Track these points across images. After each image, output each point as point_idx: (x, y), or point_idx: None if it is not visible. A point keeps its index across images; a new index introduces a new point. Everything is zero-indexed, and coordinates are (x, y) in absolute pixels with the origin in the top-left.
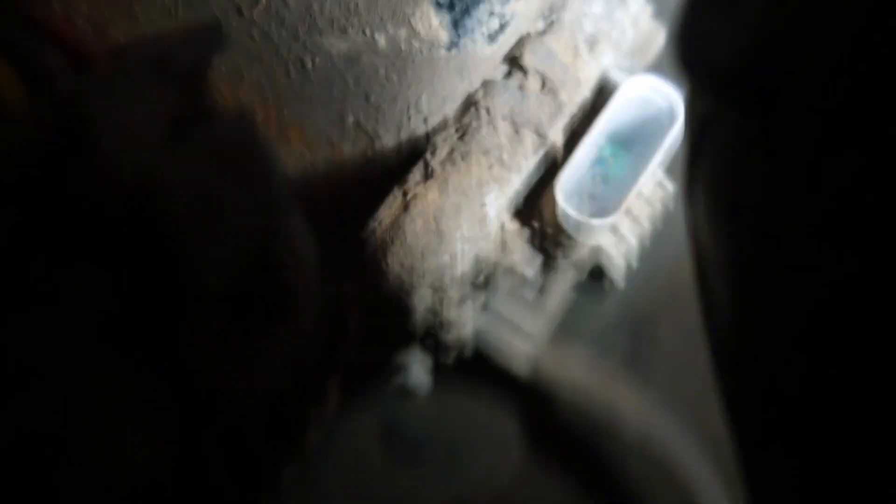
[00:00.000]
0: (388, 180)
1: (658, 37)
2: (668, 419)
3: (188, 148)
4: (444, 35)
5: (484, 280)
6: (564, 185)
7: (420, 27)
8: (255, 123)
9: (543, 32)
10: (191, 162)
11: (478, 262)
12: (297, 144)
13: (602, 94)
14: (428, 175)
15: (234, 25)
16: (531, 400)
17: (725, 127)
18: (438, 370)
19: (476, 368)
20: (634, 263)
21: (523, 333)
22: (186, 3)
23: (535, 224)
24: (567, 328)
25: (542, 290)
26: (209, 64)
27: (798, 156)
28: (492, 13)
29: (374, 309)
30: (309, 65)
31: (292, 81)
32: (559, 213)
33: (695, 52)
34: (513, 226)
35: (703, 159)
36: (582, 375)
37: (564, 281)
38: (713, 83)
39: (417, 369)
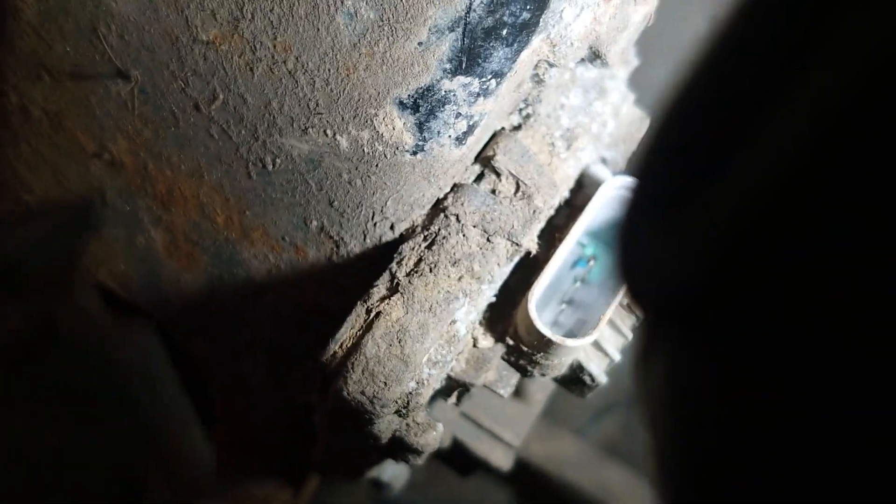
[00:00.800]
0: (356, 287)
1: (642, 125)
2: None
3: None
4: (408, 138)
5: (457, 396)
6: (539, 301)
7: (383, 129)
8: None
9: (517, 128)
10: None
11: (449, 380)
12: (261, 246)
13: (582, 189)
14: (393, 289)
15: (192, 122)
16: (520, 483)
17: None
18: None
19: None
20: (605, 380)
21: (502, 439)
22: (143, 98)
23: (510, 340)
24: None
25: (518, 394)
26: (70, 267)
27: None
28: (458, 115)
29: (337, 428)
30: (270, 165)
31: (254, 182)
32: (533, 333)
33: (638, 267)
34: (486, 342)
35: (653, 354)
36: (572, 456)
37: (543, 389)
38: (656, 300)
39: (392, 467)
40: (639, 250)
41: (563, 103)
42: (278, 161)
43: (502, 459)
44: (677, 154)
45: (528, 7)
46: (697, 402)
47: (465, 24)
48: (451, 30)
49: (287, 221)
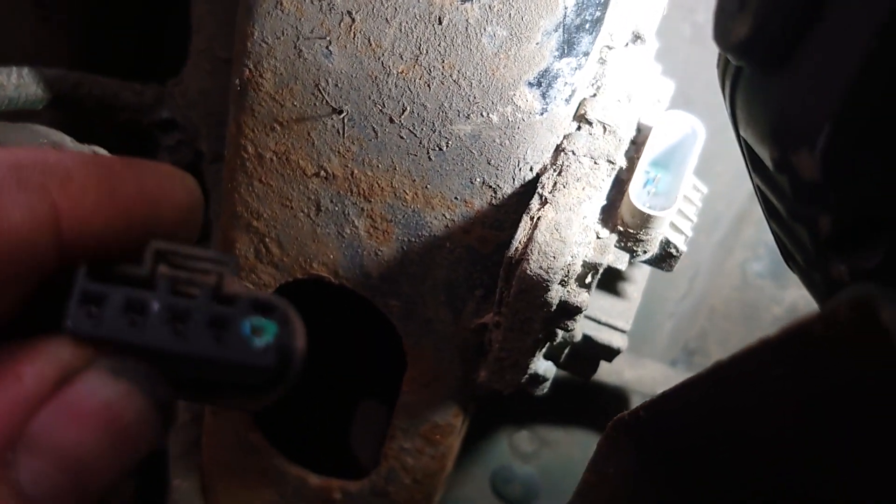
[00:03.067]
0: (509, 220)
1: (668, 89)
2: None
3: None
4: (537, 105)
5: (590, 278)
6: (636, 194)
7: (520, 102)
8: None
9: (594, 96)
10: None
11: (584, 265)
12: (440, 208)
13: (640, 132)
14: (543, 202)
15: (387, 131)
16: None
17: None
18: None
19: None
20: (686, 248)
21: (616, 326)
22: (351, 124)
23: (620, 228)
24: (635, 349)
25: (620, 294)
26: None
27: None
28: (566, 83)
29: (516, 312)
30: (444, 147)
31: (433, 163)
32: (636, 214)
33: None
34: (604, 232)
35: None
36: (658, 373)
37: (643, 273)
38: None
39: (543, 363)
40: (721, 21)
41: (619, 75)
42: (450, 142)
43: (619, 341)
44: None
45: (598, 9)
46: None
47: (564, 25)
48: (556, 30)
49: (458, 184)
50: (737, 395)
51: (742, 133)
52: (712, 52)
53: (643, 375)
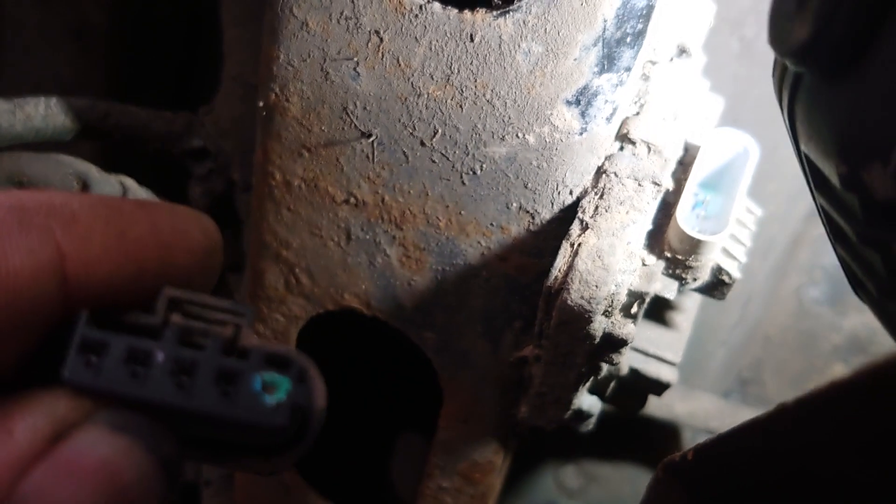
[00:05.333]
0: (548, 247)
1: (717, 106)
2: None
3: None
4: (576, 124)
5: (637, 307)
6: (683, 218)
7: (558, 122)
8: None
9: (638, 114)
10: None
11: (630, 294)
12: (475, 235)
13: (687, 152)
14: (584, 227)
15: (418, 155)
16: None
17: None
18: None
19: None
20: (739, 275)
21: (665, 359)
22: (381, 148)
23: (667, 254)
24: (686, 380)
25: (668, 324)
26: None
27: None
28: (606, 101)
29: (557, 345)
30: (478, 171)
31: (466, 187)
32: (684, 239)
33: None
34: (650, 259)
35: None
36: (711, 406)
37: (686, 318)
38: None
39: (588, 398)
40: (778, 23)
41: (664, 92)
42: (484, 166)
43: (669, 375)
44: None
45: (640, 20)
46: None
47: (603, 39)
48: (595, 45)
49: (493, 209)
50: (800, 436)
51: (803, 147)
52: (762, 67)
53: (695, 409)
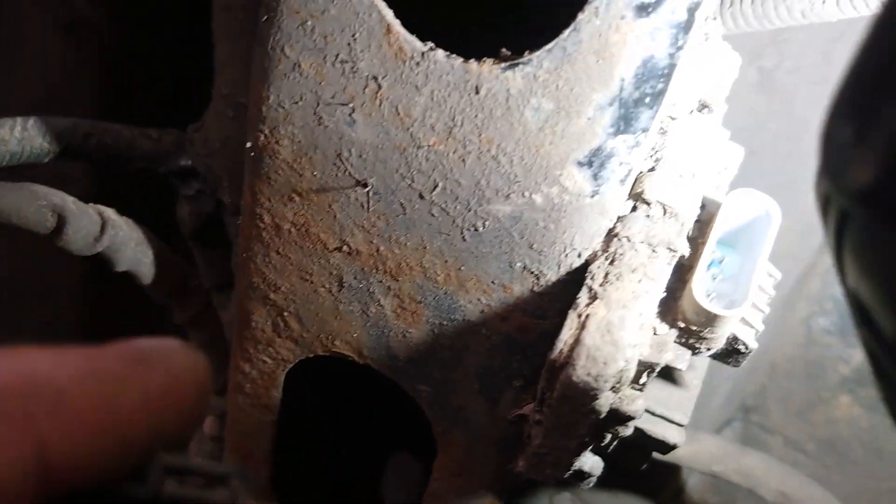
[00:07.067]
0: (552, 309)
1: (737, 156)
2: (801, 477)
3: None
4: (587, 186)
5: (646, 376)
6: (700, 290)
7: (568, 184)
8: None
9: (653, 169)
10: None
11: (640, 364)
12: (475, 292)
13: (705, 208)
14: (593, 297)
15: (416, 208)
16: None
17: None
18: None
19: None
20: (756, 344)
21: (673, 420)
22: (377, 198)
23: (681, 324)
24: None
25: (677, 383)
26: None
27: None
28: (621, 163)
29: (559, 416)
30: (480, 228)
31: (467, 243)
32: (700, 312)
33: (832, 167)
34: (663, 328)
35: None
36: (715, 448)
37: (697, 376)
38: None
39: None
40: (832, 152)
41: (681, 147)
42: (487, 223)
43: (676, 437)
44: (872, 73)
45: (661, 80)
46: None
47: (620, 99)
48: (610, 104)
49: (496, 268)
50: None
51: (851, 284)
52: (780, 98)
53: (698, 451)
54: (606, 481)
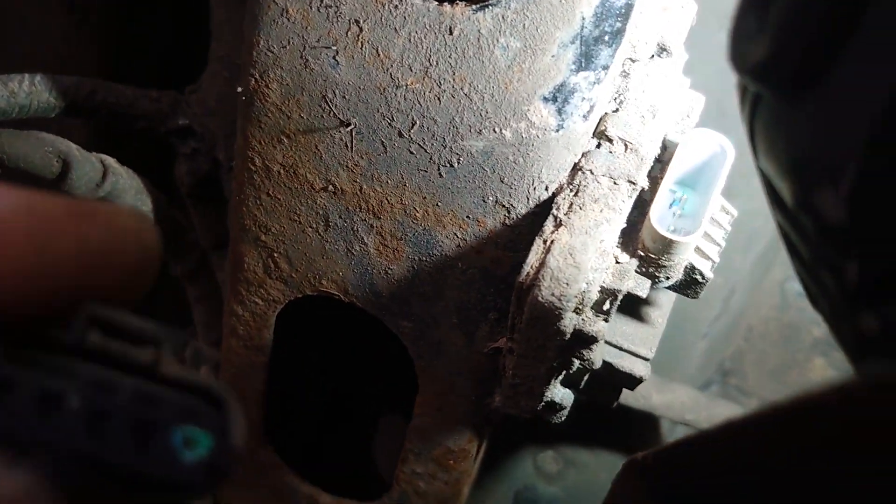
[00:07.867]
0: (523, 242)
1: (699, 103)
2: None
3: None
4: (552, 121)
5: (609, 305)
6: (658, 217)
7: (535, 118)
8: None
9: (616, 111)
10: None
11: (602, 291)
12: (451, 227)
13: (666, 149)
14: (558, 225)
15: (396, 146)
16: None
17: None
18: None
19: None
20: (712, 275)
21: (639, 354)
22: (359, 137)
23: (640, 253)
24: (666, 371)
25: (643, 320)
26: None
27: None
28: (583, 98)
29: (529, 339)
30: (455, 164)
31: (444, 179)
32: (658, 238)
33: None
34: (624, 257)
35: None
36: (687, 402)
37: (662, 314)
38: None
39: (560, 390)
40: (738, 41)
41: (643, 90)
42: (462, 159)
43: (642, 370)
44: None
45: (619, 19)
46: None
47: (581, 37)
48: (572, 42)
49: (470, 202)
50: (744, 454)
51: (761, 165)
52: None
53: (672, 400)
54: (587, 438)
